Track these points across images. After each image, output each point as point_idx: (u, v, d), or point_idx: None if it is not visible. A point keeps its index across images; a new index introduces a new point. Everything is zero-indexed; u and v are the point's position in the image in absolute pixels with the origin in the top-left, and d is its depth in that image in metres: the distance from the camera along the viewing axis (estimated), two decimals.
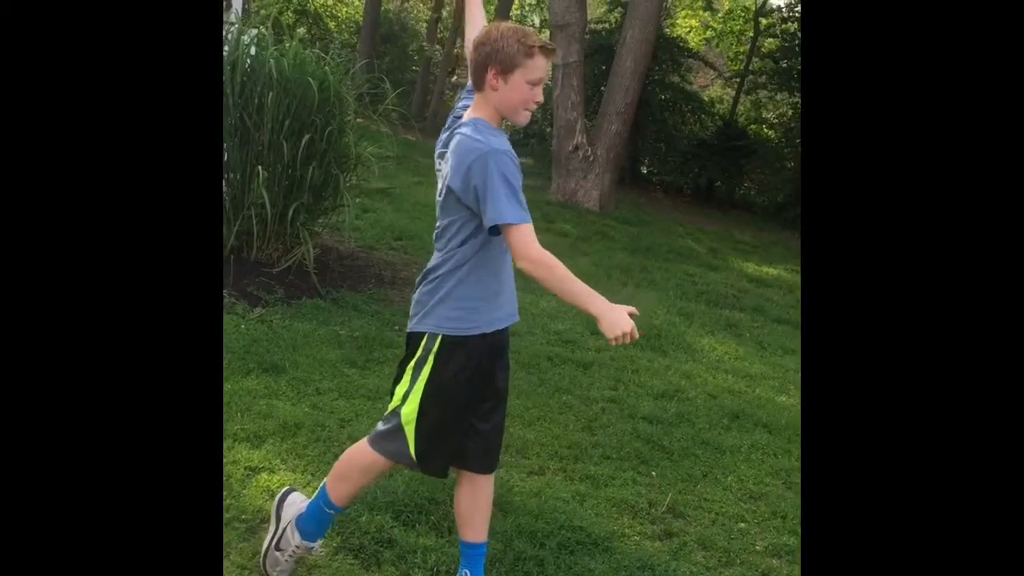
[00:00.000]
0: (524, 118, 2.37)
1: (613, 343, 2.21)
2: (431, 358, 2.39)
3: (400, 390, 2.46)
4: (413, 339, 2.46)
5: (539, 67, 2.29)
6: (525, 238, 2.22)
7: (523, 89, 2.30)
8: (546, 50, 2.30)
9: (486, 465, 2.56)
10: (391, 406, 2.48)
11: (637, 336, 2.21)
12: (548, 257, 2.22)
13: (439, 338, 2.39)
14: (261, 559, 2.60)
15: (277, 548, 2.58)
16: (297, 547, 2.56)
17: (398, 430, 2.45)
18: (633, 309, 2.24)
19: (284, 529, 2.58)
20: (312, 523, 2.57)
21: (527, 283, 6.16)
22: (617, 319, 2.19)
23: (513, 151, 2.31)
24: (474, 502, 2.57)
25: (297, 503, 2.62)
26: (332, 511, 2.57)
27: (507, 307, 2.47)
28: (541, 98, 2.35)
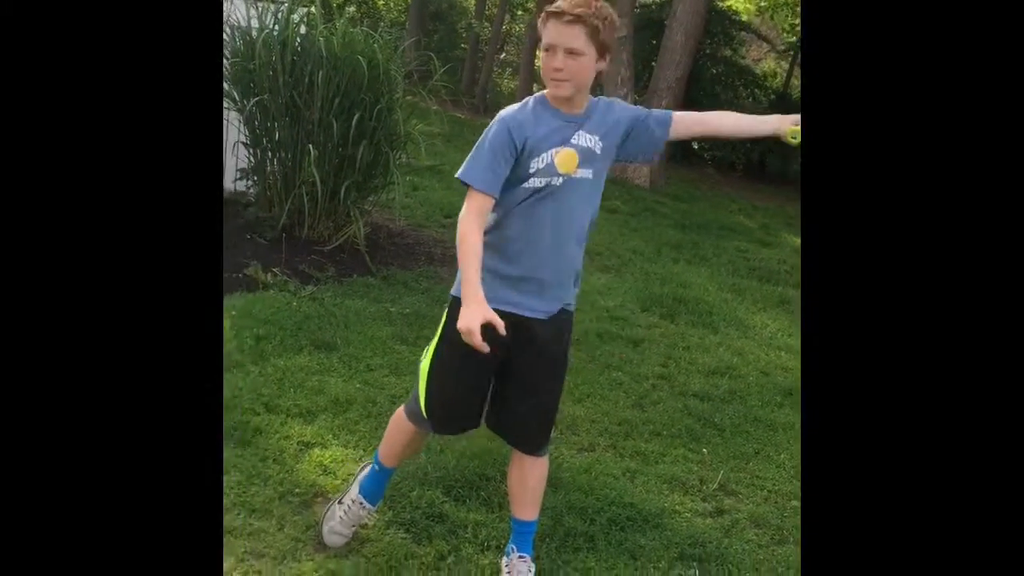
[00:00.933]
0: (552, 87, 2.31)
1: (465, 336, 2.09)
2: (445, 313, 2.43)
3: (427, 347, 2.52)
4: None
5: (547, 33, 2.25)
6: (468, 201, 2.25)
7: (544, 58, 2.28)
8: (551, 14, 2.23)
9: (525, 446, 2.55)
10: None
11: (480, 346, 2.05)
12: (466, 231, 2.20)
13: (452, 297, 2.41)
14: (322, 515, 2.71)
15: (339, 501, 2.70)
16: (353, 501, 2.65)
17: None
18: (495, 321, 2.08)
19: (351, 485, 2.73)
20: (369, 481, 2.68)
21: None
22: (468, 315, 2.08)
23: (526, 120, 2.29)
24: (522, 481, 2.58)
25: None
26: (378, 468, 2.66)
27: (526, 297, 2.36)
28: (557, 63, 2.24)
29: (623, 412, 3.94)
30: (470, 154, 2.29)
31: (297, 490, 2.89)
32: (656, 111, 2.49)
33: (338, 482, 2.96)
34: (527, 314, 2.38)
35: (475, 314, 2.07)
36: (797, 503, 3.32)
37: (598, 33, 2.22)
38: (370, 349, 4.15)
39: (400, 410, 2.62)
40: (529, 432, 2.53)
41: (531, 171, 2.29)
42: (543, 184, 2.31)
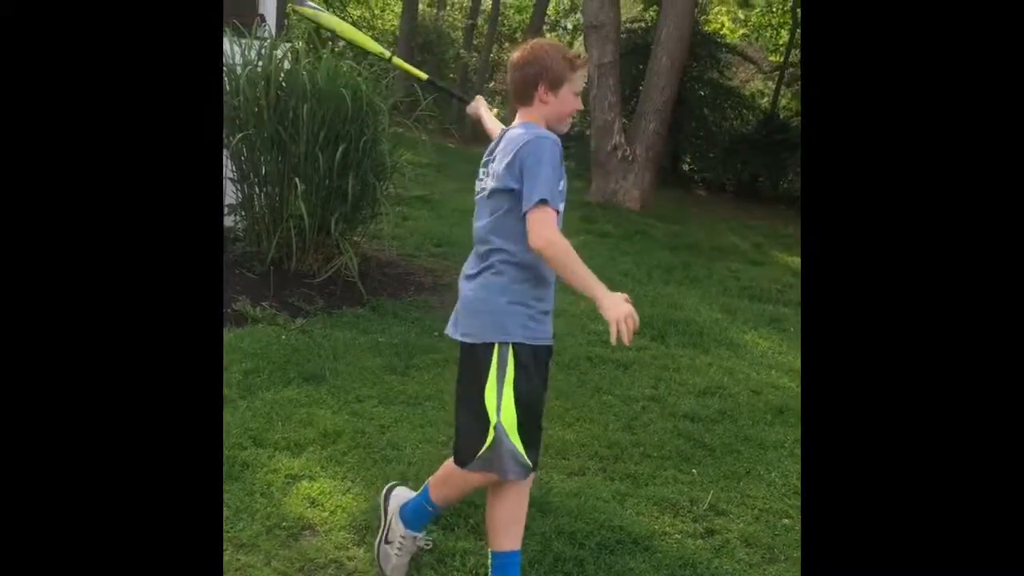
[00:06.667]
0: (567, 126, 2.59)
1: (614, 327, 2.24)
2: (511, 361, 2.43)
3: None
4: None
5: (581, 79, 2.53)
6: (548, 218, 2.33)
7: (570, 100, 2.53)
8: (584, 62, 2.55)
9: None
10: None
11: (636, 321, 2.26)
12: (562, 240, 2.34)
13: (507, 344, 2.44)
14: (375, 556, 2.72)
15: (386, 541, 2.70)
16: (403, 537, 2.66)
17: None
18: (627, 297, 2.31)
19: (390, 521, 2.71)
20: (413, 513, 2.69)
21: (568, 286, 6.13)
22: (618, 301, 2.28)
23: (561, 145, 2.45)
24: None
25: (402, 496, 2.74)
26: (431, 508, 2.68)
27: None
28: (580, 105, 2.57)
29: (613, 435, 3.94)
30: (536, 178, 2.33)
31: (284, 523, 2.88)
32: None
33: (325, 514, 2.95)
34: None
35: (622, 299, 2.29)
36: (788, 521, 3.32)
37: None
38: (359, 380, 4.15)
39: (466, 473, 2.52)
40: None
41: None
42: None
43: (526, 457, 2.44)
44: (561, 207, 2.43)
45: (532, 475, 2.55)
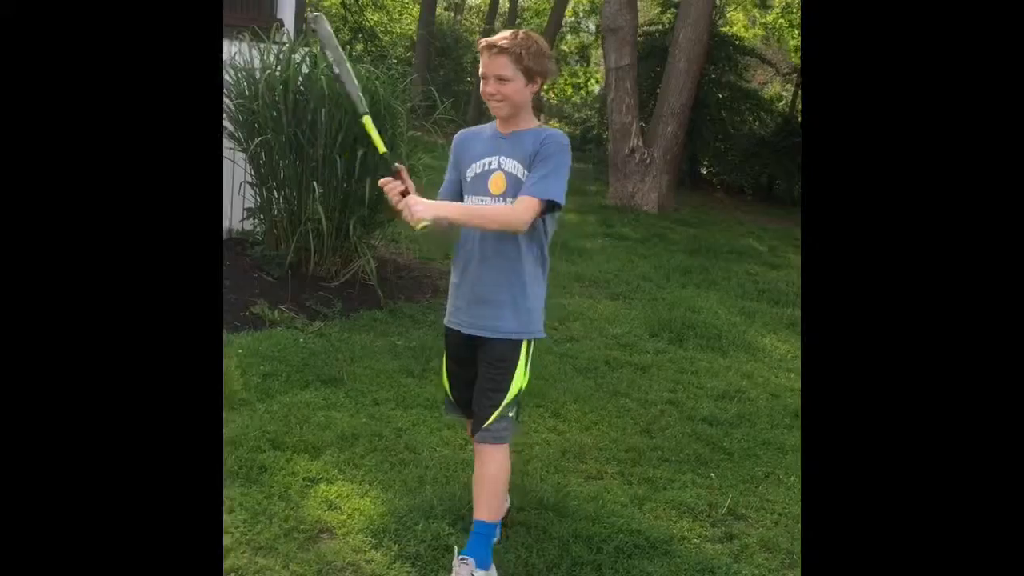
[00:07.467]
0: (492, 110, 2.67)
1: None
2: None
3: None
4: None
5: (481, 64, 2.63)
6: None
7: (481, 85, 2.65)
8: (482, 47, 2.61)
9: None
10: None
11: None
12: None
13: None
14: None
15: None
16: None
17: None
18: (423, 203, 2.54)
19: None
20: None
21: (586, 289, 6.12)
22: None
23: (462, 137, 2.79)
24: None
25: None
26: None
27: (453, 307, 2.93)
28: (490, 89, 2.60)
29: (631, 439, 3.93)
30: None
31: (302, 527, 2.88)
32: (531, 182, 2.60)
33: (343, 517, 2.95)
34: (450, 324, 2.95)
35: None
36: None
37: (522, 60, 2.55)
38: (376, 383, 4.15)
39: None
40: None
41: (468, 178, 2.70)
42: (478, 201, 2.68)
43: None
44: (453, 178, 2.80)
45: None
